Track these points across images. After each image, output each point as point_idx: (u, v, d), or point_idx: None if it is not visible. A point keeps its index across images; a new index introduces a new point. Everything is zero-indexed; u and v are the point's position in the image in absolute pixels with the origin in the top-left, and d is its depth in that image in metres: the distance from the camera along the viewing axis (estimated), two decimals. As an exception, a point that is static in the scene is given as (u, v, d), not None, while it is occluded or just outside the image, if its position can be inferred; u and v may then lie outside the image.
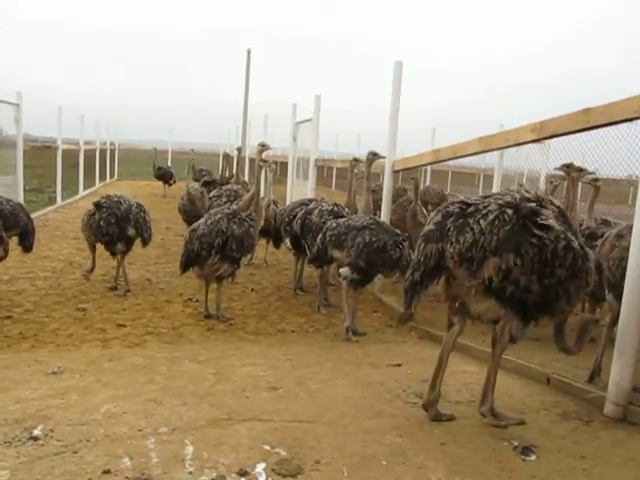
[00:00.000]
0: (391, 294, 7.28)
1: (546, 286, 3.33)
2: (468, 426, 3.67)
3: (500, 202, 3.40)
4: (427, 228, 3.56)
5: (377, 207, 7.98)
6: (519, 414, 3.83)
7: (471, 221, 3.35)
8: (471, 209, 3.42)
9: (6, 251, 5.91)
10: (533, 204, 3.40)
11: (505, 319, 3.50)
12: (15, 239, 6.55)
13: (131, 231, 6.82)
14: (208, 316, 6.10)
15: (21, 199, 11.47)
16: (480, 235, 3.30)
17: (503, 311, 3.46)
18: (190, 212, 9.74)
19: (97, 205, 6.92)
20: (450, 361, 4.21)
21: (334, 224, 5.88)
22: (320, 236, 5.96)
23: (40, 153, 16.58)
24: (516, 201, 3.40)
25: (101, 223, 6.79)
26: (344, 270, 5.63)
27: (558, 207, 3.54)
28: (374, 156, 7.04)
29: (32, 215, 12.34)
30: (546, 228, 3.30)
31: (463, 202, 3.52)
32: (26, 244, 6.51)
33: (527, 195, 3.50)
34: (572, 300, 3.51)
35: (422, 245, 3.53)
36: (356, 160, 7.70)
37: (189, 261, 6.04)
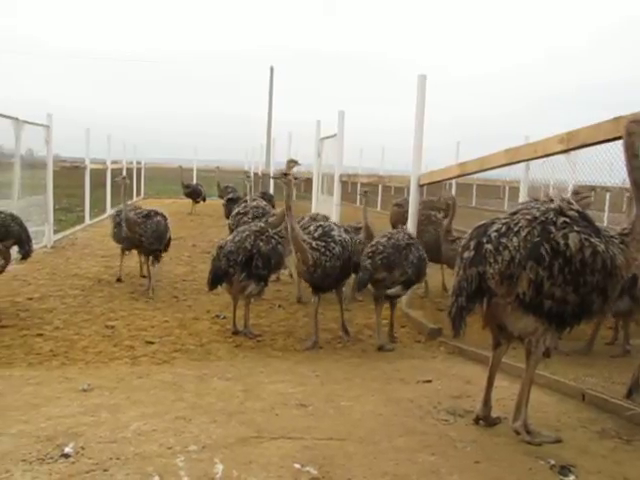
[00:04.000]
0: (419, 309, 7.20)
1: (582, 294, 3.39)
2: (502, 444, 3.58)
3: (528, 217, 3.47)
4: (465, 254, 3.61)
5: (403, 221, 7.97)
6: (554, 431, 3.73)
7: (505, 240, 3.44)
8: (503, 229, 3.49)
9: (6, 259, 6.20)
10: (555, 216, 3.45)
11: (540, 331, 3.51)
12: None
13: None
14: (236, 333, 6.10)
15: (51, 218, 11.70)
16: (516, 252, 3.38)
17: (541, 326, 3.49)
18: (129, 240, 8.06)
19: None
20: (481, 376, 4.13)
21: (380, 247, 5.77)
22: (368, 261, 5.76)
23: (69, 173, 16.87)
24: (542, 215, 3.46)
25: None
26: (396, 290, 5.75)
27: (578, 210, 3.55)
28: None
29: (61, 234, 12.74)
30: (569, 238, 3.35)
31: (494, 222, 3.59)
32: (22, 252, 6.61)
33: (551, 206, 3.53)
34: (610, 299, 3.55)
35: (462, 270, 3.62)
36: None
37: (216, 278, 6.06)
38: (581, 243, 3.35)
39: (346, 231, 6.11)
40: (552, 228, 3.38)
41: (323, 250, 5.59)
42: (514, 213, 3.61)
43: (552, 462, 3.30)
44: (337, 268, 5.68)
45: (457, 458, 3.36)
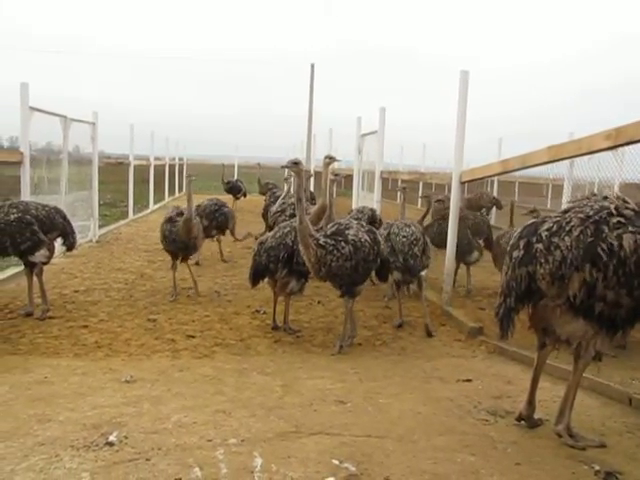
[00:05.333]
0: (459, 307, 7.12)
1: (636, 298, 3.23)
2: (543, 446, 3.52)
3: (581, 216, 3.34)
4: (514, 253, 3.54)
5: (444, 217, 7.92)
6: (599, 436, 3.64)
7: (556, 239, 3.34)
8: (554, 227, 3.39)
9: (51, 251, 6.38)
10: (609, 215, 3.30)
11: (590, 335, 3.39)
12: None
13: None
14: (275, 328, 6.14)
15: (96, 213, 11.99)
16: (568, 252, 3.28)
17: (591, 330, 3.37)
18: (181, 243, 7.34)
19: None
20: (522, 376, 4.05)
21: (421, 236, 6.40)
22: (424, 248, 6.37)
23: (113, 169, 17.25)
24: (596, 214, 3.32)
25: None
26: (425, 272, 6.43)
27: (634, 209, 3.38)
28: None
29: (105, 229, 13.05)
30: (623, 239, 3.21)
31: (544, 221, 3.49)
32: (67, 244, 6.74)
33: (605, 204, 3.38)
34: None
35: (511, 270, 3.54)
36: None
37: (257, 274, 6.10)
38: (636, 244, 3.19)
39: (370, 231, 5.64)
40: (605, 228, 3.24)
41: (331, 249, 5.25)
42: (566, 211, 3.48)
43: (596, 467, 3.22)
44: (346, 269, 5.29)
45: (497, 459, 3.32)
